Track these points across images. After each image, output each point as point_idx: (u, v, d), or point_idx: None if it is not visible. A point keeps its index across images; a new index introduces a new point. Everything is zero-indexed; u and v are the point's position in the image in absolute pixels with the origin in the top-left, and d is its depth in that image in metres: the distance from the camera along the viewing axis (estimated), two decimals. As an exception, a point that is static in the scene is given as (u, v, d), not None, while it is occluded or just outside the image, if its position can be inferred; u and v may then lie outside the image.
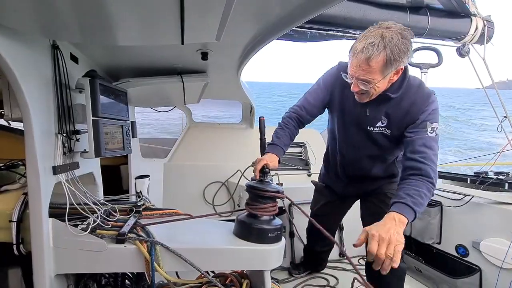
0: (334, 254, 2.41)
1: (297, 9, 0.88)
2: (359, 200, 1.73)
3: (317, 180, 1.90)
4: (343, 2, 1.83)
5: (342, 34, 2.09)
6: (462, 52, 2.39)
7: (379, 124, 1.35)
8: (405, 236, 1.01)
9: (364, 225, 1.60)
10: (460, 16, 2.22)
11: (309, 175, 2.86)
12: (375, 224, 1.04)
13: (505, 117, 2.42)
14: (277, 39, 2.16)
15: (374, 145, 1.41)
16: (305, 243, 2.18)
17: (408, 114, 1.25)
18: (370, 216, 1.57)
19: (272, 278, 1.13)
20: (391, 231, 0.98)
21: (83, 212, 0.99)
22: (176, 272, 1.13)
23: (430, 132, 1.20)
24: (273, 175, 1.28)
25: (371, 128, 1.37)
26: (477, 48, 2.38)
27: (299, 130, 1.58)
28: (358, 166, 1.52)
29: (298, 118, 1.54)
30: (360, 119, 1.38)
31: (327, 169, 1.76)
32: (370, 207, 1.61)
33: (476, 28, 2.23)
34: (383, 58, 1.09)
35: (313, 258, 2.12)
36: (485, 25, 2.24)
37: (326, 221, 1.72)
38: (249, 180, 1.24)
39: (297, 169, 2.88)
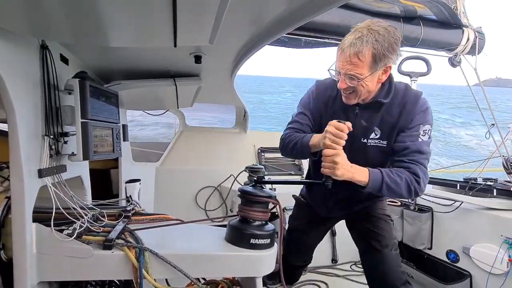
0: (326, 260, 2.40)
1: (291, 15, 0.88)
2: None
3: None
4: (337, 10, 1.87)
5: (337, 42, 2.11)
6: (454, 62, 2.43)
7: (372, 135, 1.27)
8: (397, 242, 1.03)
9: (359, 249, 1.54)
10: (452, 27, 2.28)
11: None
12: (347, 163, 1.13)
13: (492, 124, 2.49)
14: (271, 44, 2.18)
15: (369, 160, 1.27)
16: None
17: (401, 118, 1.22)
18: (363, 242, 1.51)
19: (264, 284, 1.11)
20: (348, 169, 1.12)
21: (69, 217, 0.95)
22: (166, 280, 1.10)
23: (422, 135, 1.17)
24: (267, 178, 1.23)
25: (365, 140, 1.28)
26: (468, 59, 2.43)
27: None
28: (348, 186, 1.25)
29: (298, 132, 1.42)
30: (354, 131, 1.24)
31: (309, 188, 1.62)
32: (360, 232, 1.52)
33: (468, 39, 2.28)
34: (371, 52, 1.08)
35: (288, 270, 1.82)
36: (476, 36, 2.30)
37: (305, 238, 1.67)
38: (241, 185, 1.23)
39: (290, 174, 2.88)
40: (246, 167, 1.34)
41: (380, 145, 1.27)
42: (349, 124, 1.11)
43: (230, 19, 0.84)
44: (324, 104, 1.35)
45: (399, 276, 1.41)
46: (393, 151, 1.25)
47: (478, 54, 2.36)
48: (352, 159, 1.22)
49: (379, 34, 1.09)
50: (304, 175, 2.90)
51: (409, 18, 2.16)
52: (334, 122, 1.12)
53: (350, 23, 1.97)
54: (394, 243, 1.45)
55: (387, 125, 1.25)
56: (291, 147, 1.33)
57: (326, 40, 2.09)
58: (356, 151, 1.27)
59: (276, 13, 0.89)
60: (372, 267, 1.49)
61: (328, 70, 1.23)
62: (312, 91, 1.40)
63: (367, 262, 1.52)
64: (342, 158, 1.11)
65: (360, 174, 1.15)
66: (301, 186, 1.81)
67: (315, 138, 1.23)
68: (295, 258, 1.80)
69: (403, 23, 2.15)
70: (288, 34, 1.87)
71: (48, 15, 0.74)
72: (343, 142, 1.11)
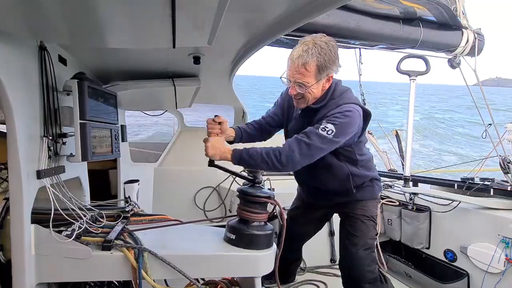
0: (325, 260, 2.41)
1: (289, 16, 0.89)
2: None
3: None
4: (337, 12, 1.87)
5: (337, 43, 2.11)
6: (453, 64, 2.43)
7: None
8: (395, 241, 1.03)
9: (340, 244, 1.63)
10: (452, 28, 2.28)
11: None
12: (218, 146, 1.33)
13: (490, 124, 2.50)
14: (271, 45, 2.17)
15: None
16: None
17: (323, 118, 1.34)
18: (340, 241, 1.63)
19: (262, 284, 1.11)
20: (217, 151, 1.32)
21: (68, 218, 0.95)
22: (165, 280, 1.11)
23: (322, 130, 1.25)
24: (265, 180, 1.29)
25: None
26: (468, 60, 2.43)
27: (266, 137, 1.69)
28: (315, 175, 1.52)
29: (256, 124, 1.67)
30: (299, 129, 1.41)
31: (296, 176, 1.76)
32: (340, 232, 1.63)
33: (467, 41, 2.28)
34: (316, 63, 1.25)
35: (283, 267, 1.93)
36: (475, 38, 2.30)
37: (298, 227, 1.76)
38: (240, 185, 1.23)
39: (289, 174, 2.88)
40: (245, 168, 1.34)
41: None
42: (217, 118, 1.37)
43: (228, 20, 0.85)
44: (282, 106, 1.59)
45: (364, 274, 1.50)
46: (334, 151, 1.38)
47: (477, 55, 2.35)
48: None
49: (321, 48, 1.25)
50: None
51: (409, 19, 2.16)
52: (208, 119, 1.38)
53: (350, 25, 1.98)
54: (366, 242, 1.52)
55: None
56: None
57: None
58: None
59: (274, 14, 0.90)
60: (342, 265, 1.61)
61: (281, 78, 1.39)
62: (282, 92, 1.63)
63: (340, 260, 1.63)
64: (210, 142, 1.32)
65: (227, 153, 1.32)
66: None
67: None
68: (288, 251, 1.85)
69: (402, 24, 2.15)
70: (287, 35, 1.87)
71: (46, 16, 0.74)
72: (214, 131, 1.37)
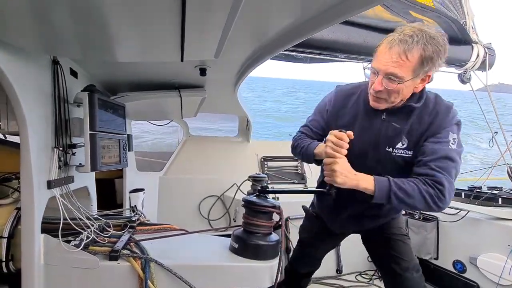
0: (331, 271, 2.37)
1: (293, 30, 0.91)
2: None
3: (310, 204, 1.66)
4: (343, 27, 1.87)
5: (345, 59, 2.08)
6: (463, 79, 2.39)
7: (399, 145, 1.16)
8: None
9: (378, 268, 1.49)
10: (462, 43, 2.24)
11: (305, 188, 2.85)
12: (349, 170, 1.09)
13: (496, 132, 2.48)
14: (277, 59, 2.19)
15: (392, 171, 1.15)
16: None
17: (431, 126, 1.12)
18: (381, 263, 1.44)
19: None
20: (350, 176, 1.08)
21: (77, 228, 0.97)
22: (170, 290, 1.10)
23: (452, 143, 1.07)
24: (269, 187, 1.23)
25: (390, 149, 1.16)
26: (479, 75, 2.38)
27: None
28: (361, 200, 1.16)
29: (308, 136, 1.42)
30: (379, 138, 1.18)
31: (321, 199, 1.52)
32: (377, 253, 1.45)
33: (478, 56, 2.24)
34: (420, 53, 1.00)
35: (295, 279, 1.81)
36: (486, 52, 2.26)
37: (313, 252, 1.61)
38: (245, 194, 1.23)
39: (293, 183, 2.88)
40: (249, 176, 1.35)
41: (406, 155, 1.16)
42: (350, 133, 1.09)
43: (235, 34, 0.88)
44: (342, 111, 1.28)
45: None
46: (417, 158, 1.13)
47: (488, 70, 2.31)
48: (373, 168, 1.17)
49: (431, 36, 1.01)
50: (307, 184, 2.90)
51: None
52: (335, 131, 1.10)
53: (357, 41, 1.95)
54: (415, 264, 1.37)
55: (416, 134, 1.14)
56: (299, 151, 1.35)
57: (333, 58, 2.08)
58: (378, 160, 1.19)
59: (278, 28, 0.92)
60: None
61: (364, 69, 1.20)
62: (330, 97, 1.34)
63: (389, 285, 1.45)
64: (340, 166, 1.08)
65: (364, 182, 1.08)
66: (305, 194, 1.77)
67: (320, 147, 1.23)
68: (302, 267, 1.74)
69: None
70: (297, 51, 1.87)
71: (60, 33, 0.77)
72: (344, 151, 1.09)
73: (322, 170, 1.45)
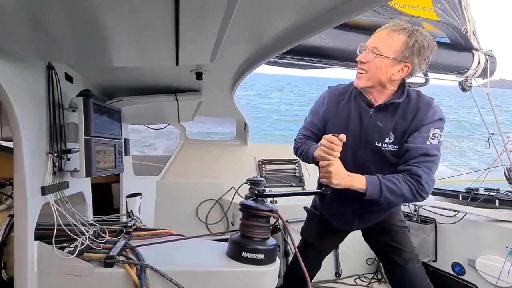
0: (330, 274, 2.36)
1: (290, 34, 0.91)
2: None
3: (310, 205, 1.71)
4: (344, 34, 1.87)
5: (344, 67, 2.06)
6: (464, 87, 2.38)
7: (387, 140, 1.26)
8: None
9: (381, 262, 1.58)
10: (463, 50, 2.23)
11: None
12: (342, 171, 1.19)
13: (492, 134, 2.48)
14: (276, 65, 2.19)
15: (381, 165, 1.27)
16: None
17: (413, 122, 1.21)
18: (384, 255, 1.51)
19: None
20: (344, 177, 1.17)
21: (71, 234, 0.95)
22: (167, 297, 1.09)
23: (431, 138, 1.16)
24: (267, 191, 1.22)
25: (380, 144, 1.26)
26: (479, 82, 2.38)
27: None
28: (362, 198, 1.26)
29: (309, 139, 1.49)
30: (369, 135, 1.28)
31: (322, 199, 1.56)
32: (380, 245, 1.52)
33: (479, 63, 2.24)
34: (406, 39, 1.13)
35: (295, 284, 1.78)
36: (487, 60, 2.26)
37: (315, 252, 1.64)
38: (243, 198, 1.23)
39: (291, 185, 2.87)
40: (247, 180, 1.34)
41: (393, 150, 1.27)
42: (342, 136, 1.17)
43: (230, 38, 0.87)
44: (335, 110, 1.37)
45: None
46: (402, 153, 1.24)
47: (490, 77, 2.31)
48: (364, 162, 1.29)
49: (422, 34, 1.14)
50: (305, 186, 2.89)
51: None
52: (327, 135, 1.19)
53: (352, 48, 1.94)
54: (415, 255, 1.44)
55: (400, 130, 1.24)
56: (299, 153, 1.46)
57: (330, 66, 2.08)
58: (367, 155, 1.29)
59: (274, 32, 0.92)
60: (398, 282, 1.48)
61: (359, 45, 1.26)
62: (323, 97, 1.43)
63: (392, 277, 1.52)
64: (335, 167, 1.18)
65: (357, 181, 1.18)
66: (305, 197, 1.78)
67: (317, 151, 1.30)
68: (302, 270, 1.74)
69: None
70: (292, 57, 1.87)
71: (55, 39, 0.77)
72: (337, 154, 1.18)
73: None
